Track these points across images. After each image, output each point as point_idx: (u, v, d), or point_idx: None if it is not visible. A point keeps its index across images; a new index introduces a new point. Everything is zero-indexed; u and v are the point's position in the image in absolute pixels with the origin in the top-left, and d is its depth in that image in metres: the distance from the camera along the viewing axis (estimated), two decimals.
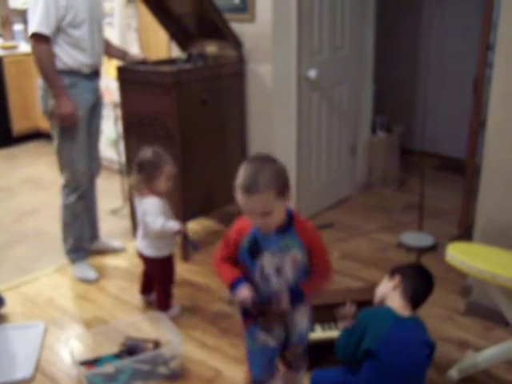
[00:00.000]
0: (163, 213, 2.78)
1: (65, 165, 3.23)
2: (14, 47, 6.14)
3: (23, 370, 2.55)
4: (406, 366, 1.95)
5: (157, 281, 2.94)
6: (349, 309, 2.18)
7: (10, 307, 3.04)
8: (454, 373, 2.41)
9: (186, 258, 3.50)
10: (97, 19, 3.14)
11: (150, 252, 2.85)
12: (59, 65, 3.02)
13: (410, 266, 2.22)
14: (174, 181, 2.82)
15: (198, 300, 3.10)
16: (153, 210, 2.74)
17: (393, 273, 2.12)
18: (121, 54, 3.50)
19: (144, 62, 3.51)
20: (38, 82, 3.13)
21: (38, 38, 2.93)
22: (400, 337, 1.93)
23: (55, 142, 3.22)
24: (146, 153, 2.77)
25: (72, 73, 3.08)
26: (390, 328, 1.92)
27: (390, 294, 2.06)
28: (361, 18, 4.20)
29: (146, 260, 2.89)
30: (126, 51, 3.59)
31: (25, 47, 6.11)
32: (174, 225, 2.77)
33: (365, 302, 2.36)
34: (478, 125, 3.39)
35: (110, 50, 3.45)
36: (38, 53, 2.96)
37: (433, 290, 2.09)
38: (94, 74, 3.22)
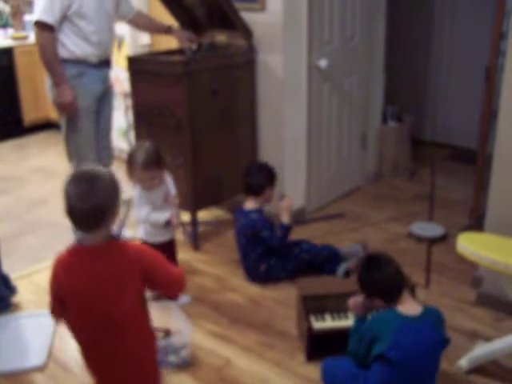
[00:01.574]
0: (148, 204, 2.83)
1: (72, 154, 3.24)
2: (25, 37, 6.14)
3: (36, 359, 2.58)
4: (418, 367, 1.95)
5: None
6: (359, 299, 2.18)
7: (21, 296, 3.07)
8: (464, 363, 2.41)
9: (195, 247, 3.52)
10: (105, 10, 3.12)
11: (146, 237, 2.92)
12: (66, 54, 3.02)
13: (362, 274, 2.09)
14: (151, 182, 2.77)
15: (208, 289, 3.11)
16: (136, 200, 2.85)
17: (367, 295, 2.09)
18: (165, 29, 3.55)
19: (192, 40, 3.54)
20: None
21: (41, 26, 2.93)
22: (408, 339, 1.92)
23: (63, 131, 3.23)
24: (133, 148, 2.84)
25: (79, 62, 3.08)
26: (397, 331, 1.92)
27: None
28: (372, 8, 4.16)
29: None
30: (170, 26, 3.60)
31: None
32: (159, 216, 2.81)
33: None
34: (489, 114, 3.36)
35: (151, 26, 3.54)
36: (40, 40, 2.97)
37: (392, 263, 2.05)
38: (104, 63, 3.22)
